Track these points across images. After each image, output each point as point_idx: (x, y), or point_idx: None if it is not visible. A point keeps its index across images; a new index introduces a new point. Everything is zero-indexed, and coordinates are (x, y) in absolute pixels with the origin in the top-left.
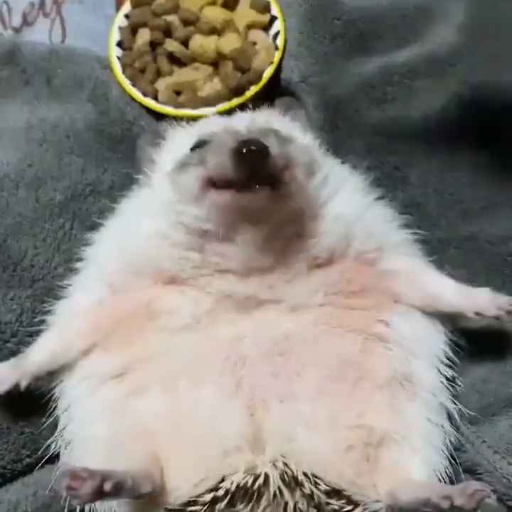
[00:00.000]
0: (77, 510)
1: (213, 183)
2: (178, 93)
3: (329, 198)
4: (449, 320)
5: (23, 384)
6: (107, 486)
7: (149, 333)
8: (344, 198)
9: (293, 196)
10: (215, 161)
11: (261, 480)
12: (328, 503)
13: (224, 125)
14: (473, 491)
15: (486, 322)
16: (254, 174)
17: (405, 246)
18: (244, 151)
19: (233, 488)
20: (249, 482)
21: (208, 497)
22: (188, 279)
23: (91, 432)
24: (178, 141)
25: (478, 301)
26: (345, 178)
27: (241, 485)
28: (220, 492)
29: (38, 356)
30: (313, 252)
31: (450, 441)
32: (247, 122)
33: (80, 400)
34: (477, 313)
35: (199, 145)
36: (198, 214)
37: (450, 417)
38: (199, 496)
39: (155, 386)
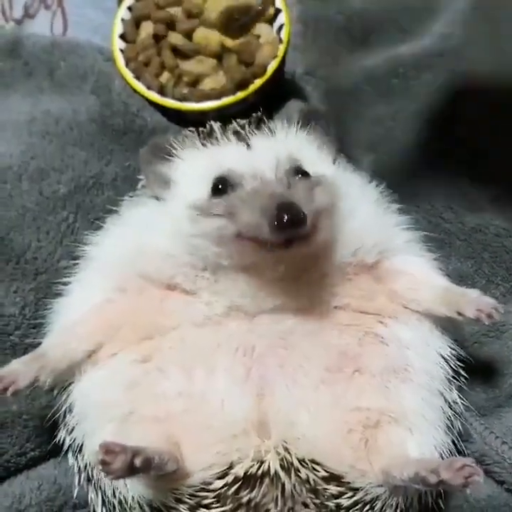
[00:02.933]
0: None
1: (241, 235)
2: (193, 85)
3: (346, 217)
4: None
5: (42, 379)
6: (138, 461)
7: (162, 330)
8: (359, 215)
9: (316, 240)
10: (248, 219)
11: (265, 467)
12: (326, 489)
13: (246, 163)
14: (461, 465)
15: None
16: (290, 240)
17: (408, 247)
18: (284, 218)
19: (241, 474)
20: (255, 469)
21: (218, 483)
22: (201, 290)
23: (108, 404)
24: (193, 168)
25: (460, 303)
26: (358, 199)
27: (247, 472)
28: (230, 478)
29: (55, 352)
30: (325, 269)
31: (454, 425)
32: (270, 159)
33: (98, 380)
34: (459, 314)
35: (221, 184)
36: (218, 252)
37: (456, 407)
38: (209, 482)
39: (174, 369)
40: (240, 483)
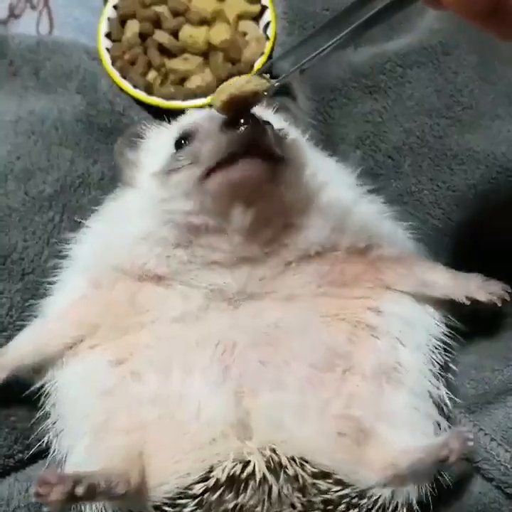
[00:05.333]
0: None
1: (207, 175)
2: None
3: (318, 190)
4: (442, 305)
5: (2, 376)
6: (80, 490)
7: (138, 325)
8: (333, 192)
9: (284, 177)
10: (207, 149)
11: (250, 468)
12: (314, 484)
13: (206, 113)
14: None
15: (480, 307)
16: (250, 145)
17: (396, 236)
18: (239, 118)
19: (223, 478)
20: (238, 471)
21: (197, 488)
22: (176, 276)
23: (83, 415)
24: (158, 140)
25: (470, 287)
26: (334, 172)
27: (230, 474)
28: (210, 482)
29: (19, 349)
30: (302, 245)
31: (442, 429)
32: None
33: (72, 386)
34: (469, 299)
35: (184, 137)
36: (189, 209)
37: (445, 405)
38: (188, 487)
39: (150, 371)
40: (223, 487)
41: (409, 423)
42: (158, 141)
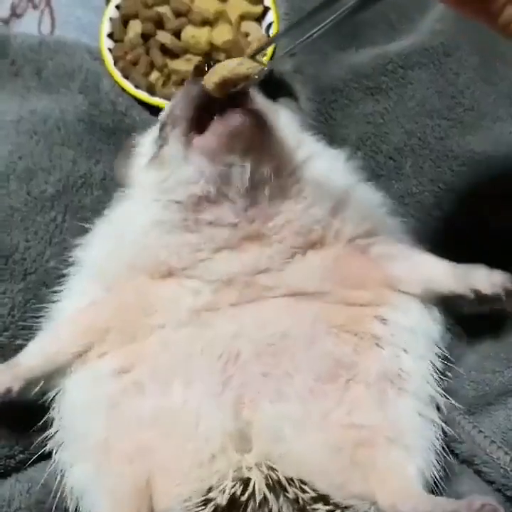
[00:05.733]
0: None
1: (192, 132)
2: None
3: (308, 158)
4: (448, 306)
5: (16, 389)
6: None
7: (147, 330)
8: (324, 163)
9: (267, 123)
10: (181, 106)
11: (250, 488)
12: (314, 510)
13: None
14: (481, 505)
15: (485, 305)
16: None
17: (398, 231)
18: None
19: (224, 501)
20: (239, 492)
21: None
22: (186, 268)
23: (86, 432)
24: (147, 139)
25: (475, 280)
26: (324, 149)
27: (231, 494)
28: (211, 507)
29: (30, 359)
30: (302, 221)
31: (444, 433)
32: None
33: (76, 398)
34: (474, 292)
35: (163, 123)
36: (187, 178)
37: (444, 407)
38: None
39: (152, 384)
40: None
41: (413, 432)
42: (147, 140)
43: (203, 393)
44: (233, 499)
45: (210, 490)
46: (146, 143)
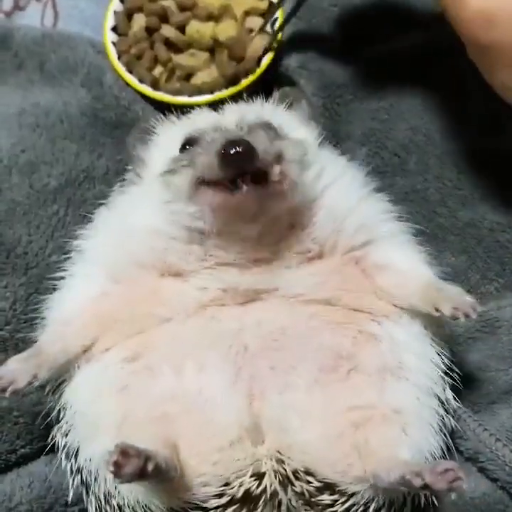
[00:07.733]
0: (69, 501)
1: (205, 182)
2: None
3: (323, 191)
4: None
5: (41, 376)
6: (150, 466)
7: (155, 322)
8: (338, 191)
9: (284, 193)
10: (203, 161)
11: (264, 483)
12: (320, 500)
13: (213, 122)
14: (444, 468)
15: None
16: (240, 174)
17: (395, 237)
18: (230, 152)
19: (239, 494)
20: (254, 487)
21: (212, 502)
22: (192, 271)
23: (101, 411)
24: (166, 139)
25: (438, 299)
26: (340, 171)
27: (246, 489)
28: (225, 499)
29: (51, 347)
30: (306, 244)
31: (445, 425)
32: (238, 117)
33: (89, 382)
34: (436, 310)
35: (188, 143)
36: (192, 212)
37: (448, 405)
38: (204, 500)
39: (165, 366)
40: (238, 503)
41: (410, 413)
42: (165, 140)
43: (219, 380)
44: (247, 493)
45: (227, 484)
46: (162, 145)
